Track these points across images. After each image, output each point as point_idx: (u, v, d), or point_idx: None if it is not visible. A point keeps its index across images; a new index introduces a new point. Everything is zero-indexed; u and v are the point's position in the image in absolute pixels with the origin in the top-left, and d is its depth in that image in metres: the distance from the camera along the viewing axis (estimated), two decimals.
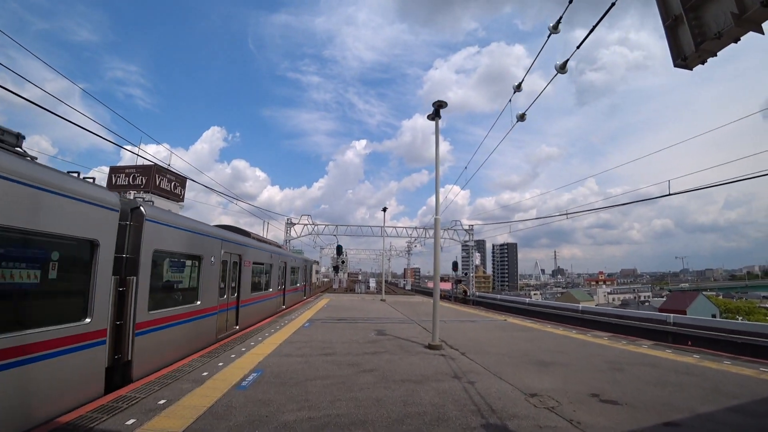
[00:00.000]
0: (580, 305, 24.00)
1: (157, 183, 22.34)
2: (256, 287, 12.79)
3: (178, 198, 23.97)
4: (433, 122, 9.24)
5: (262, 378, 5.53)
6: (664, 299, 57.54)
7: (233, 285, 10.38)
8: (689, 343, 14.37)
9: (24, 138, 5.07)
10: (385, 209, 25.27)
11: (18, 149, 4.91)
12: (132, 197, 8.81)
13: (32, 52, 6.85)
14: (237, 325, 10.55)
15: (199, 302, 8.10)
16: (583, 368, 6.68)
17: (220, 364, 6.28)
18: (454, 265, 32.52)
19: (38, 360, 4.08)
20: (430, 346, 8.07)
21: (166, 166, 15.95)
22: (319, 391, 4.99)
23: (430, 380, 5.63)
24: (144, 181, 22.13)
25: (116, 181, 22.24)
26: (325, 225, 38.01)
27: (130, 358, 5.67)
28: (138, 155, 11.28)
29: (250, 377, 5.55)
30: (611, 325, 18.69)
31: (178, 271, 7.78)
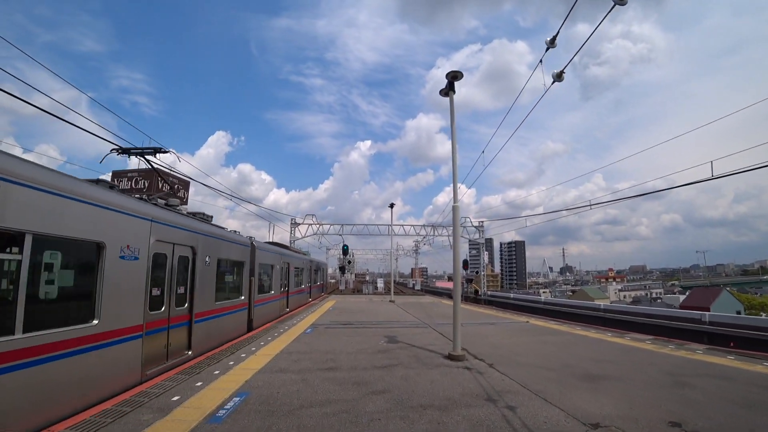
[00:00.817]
0: (602, 304, 22.63)
1: (160, 186, 21.79)
2: (296, 284, 18.20)
3: (181, 201, 23.32)
4: (447, 99, 8.01)
5: (246, 405, 4.39)
6: (677, 295, 55.49)
7: (285, 282, 15.61)
8: (731, 344, 12.92)
9: (212, 218, 9.59)
10: (392, 205, 24.03)
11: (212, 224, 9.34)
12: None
13: (39, 62, 6.74)
14: (288, 307, 15.89)
15: (272, 292, 13.51)
16: (641, 383, 5.44)
17: (199, 384, 5.17)
18: (465, 263, 31.21)
19: (233, 313, 9.45)
20: (450, 357, 6.86)
21: (168, 170, 15.45)
22: (316, 425, 3.83)
23: (458, 405, 4.43)
24: (146, 185, 21.66)
25: (119, 185, 21.69)
26: (330, 225, 36.90)
27: (252, 318, 10.84)
28: (142, 158, 10.25)
29: (230, 403, 4.42)
30: (638, 325, 17.22)
31: (265, 274, 12.99)
